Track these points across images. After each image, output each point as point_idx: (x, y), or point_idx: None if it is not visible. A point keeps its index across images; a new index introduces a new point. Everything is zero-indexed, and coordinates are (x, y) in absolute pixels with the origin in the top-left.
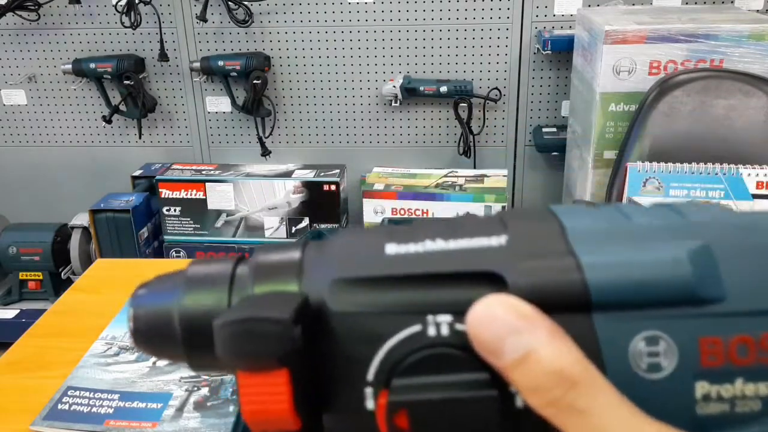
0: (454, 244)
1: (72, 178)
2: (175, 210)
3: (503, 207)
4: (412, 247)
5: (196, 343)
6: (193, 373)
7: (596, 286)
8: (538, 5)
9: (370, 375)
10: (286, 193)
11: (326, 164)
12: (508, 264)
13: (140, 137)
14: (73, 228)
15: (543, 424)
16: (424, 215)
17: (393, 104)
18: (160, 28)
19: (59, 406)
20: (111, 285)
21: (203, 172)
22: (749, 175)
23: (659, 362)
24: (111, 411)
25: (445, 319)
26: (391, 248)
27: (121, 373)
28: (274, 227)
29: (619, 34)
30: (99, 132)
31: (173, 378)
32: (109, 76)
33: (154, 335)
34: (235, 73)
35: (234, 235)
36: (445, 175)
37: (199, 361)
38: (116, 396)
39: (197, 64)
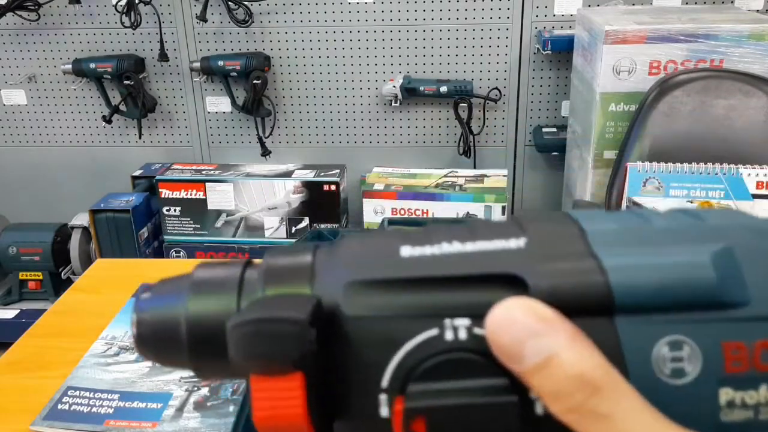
0: (471, 247)
1: (72, 178)
2: (175, 210)
3: (503, 207)
4: (428, 250)
5: (203, 350)
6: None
7: (619, 289)
8: (538, 5)
9: (385, 381)
10: (286, 193)
11: (326, 164)
12: (528, 266)
13: (140, 137)
14: (73, 228)
15: (564, 431)
16: (424, 215)
17: (393, 104)
18: (160, 28)
19: (59, 406)
20: (111, 285)
21: (203, 172)
22: (749, 175)
23: (683, 367)
24: (111, 411)
25: (462, 322)
26: (406, 250)
27: (121, 373)
28: (274, 227)
29: (619, 34)
30: (99, 132)
31: (173, 378)
32: (109, 76)
33: (158, 341)
34: (235, 73)
35: (234, 235)
36: (445, 175)
37: (206, 369)
38: (116, 396)
39: (197, 64)
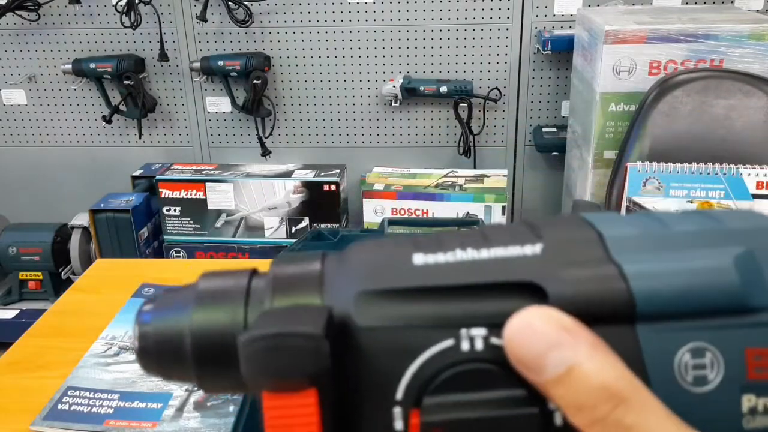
0: (486, 254)
1: (72, 178)
2: (175, 210)
3: (503, 207)
4: (441, 257)
5: (209, 363)
6: None
7: (641, 296)
8: (538, 5)
9: (399, 393)
10: (286, 193)
11: (326, 164)
12: (547, 273)
13: (140, 137)
14: (73, 228)
15: None
16: (424, 215)
17: (393, 104)
18: (160, 28)
19: (59, 406)
20: (111, 285)
21: (203, 172)
22: (749, 175)
23: (705, 375)
24: (111, 411)
25: (479, 332)
26: (419, 258)
27: (121, 373)
28: (274, 227)
29: (619, 34)
30: (99, 132)
31: None
32: (109, 76)
33: (162, 355)
34: (235, 73)
35: (234, 235)
36: (445, 175)
37: (211, 383)
38: (116, 396)
39: (197, 64)
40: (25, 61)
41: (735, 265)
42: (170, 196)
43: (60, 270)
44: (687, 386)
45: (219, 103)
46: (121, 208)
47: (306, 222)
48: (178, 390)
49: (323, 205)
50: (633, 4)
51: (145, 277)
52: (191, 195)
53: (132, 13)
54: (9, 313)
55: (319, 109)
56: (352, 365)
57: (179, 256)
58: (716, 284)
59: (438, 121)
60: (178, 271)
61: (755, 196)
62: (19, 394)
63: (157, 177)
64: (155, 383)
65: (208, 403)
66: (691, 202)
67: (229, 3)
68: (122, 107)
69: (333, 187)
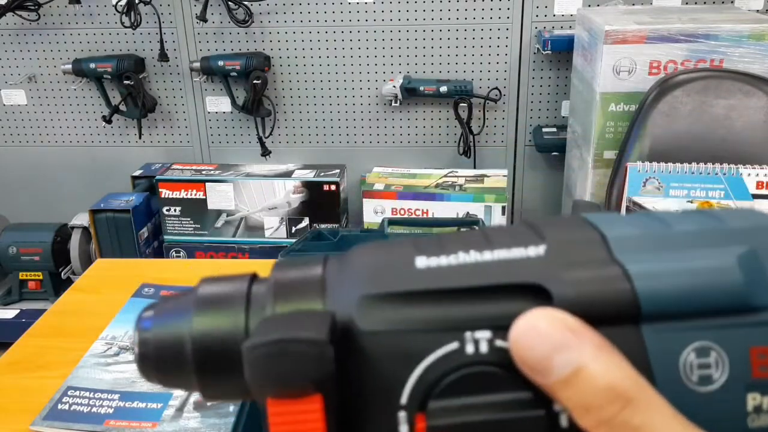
0: (489, 256)
1: (72, 178)
2: (175, 210)
3: (503, 207)
4: (444, 260)
5: (210, 370)
6: None
7: (646, 296)
8: (538, 5)
9: (404, 398)
10: (286, 193)
11: (326, 164)
12: (551, 275)
13: (140, 137)
14: (73, 228)
15: None
16: (424, 215)
17: (393, 104)
18: (160, 28)
19: (59, 406)
20: (111, 285)
21: (203, 172)
22: (749, 175)
23: (710, 374)
24: (111, 411)
25: (483, 335)
26: (422, 261)
27: (121, 373)
28: (274, 227)
29: (619, 34)
30: (99, 132)
31: None
32: (109, 76)
33: (163, 362)
34: (235, 73)
35: (234, 235)
36: (445, 175)
37: (213, 389)
38: (116, 396)
39: (197, 64)
40: (25, 61)
41: (738, 265)
42: (170, 196)
43: (60, 270)
44: (692, 386)
45: (219, 103)
46: (121, 208)
47: (306, 222)
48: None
49: (323, 205)
50: (633, 4)
51: (145, 277)
52: (191, 195)
53: (132, 13)
54: (9, 313)
55: (319, 109)
56: (356, 370)
57: (179, 256)
58: (720, 284)
59: (438, 121)
60: (178, 271)
61: (755, 196)
62: (19, 394)
63: (157, 177)
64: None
65: (208, 403)
66: (691, 202)
67: (229, 3)
68: (122, 107)
69: (333, 187)
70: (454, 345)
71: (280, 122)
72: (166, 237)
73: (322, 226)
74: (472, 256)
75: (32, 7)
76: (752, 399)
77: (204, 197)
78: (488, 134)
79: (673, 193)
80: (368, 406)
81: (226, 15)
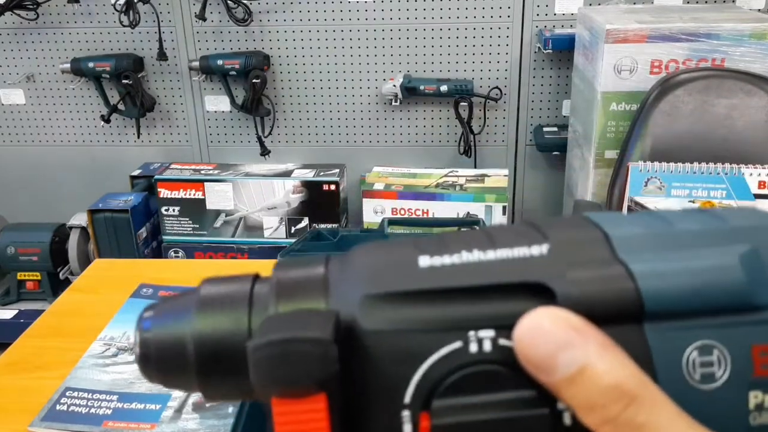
0: (492, 255)
1: (70, 178)
2: (173, 210)
3: (504, 207)
4: (447, 259)
5: (212, 370)
6: None
7: (649, 295)
8: (539, 4)
9: (408, 397)
10: (286, 193)
11: (326, 164)
12: (554, 274)
13: (139, 137)
14: (71, 228)
15: None
16: (425, 215)
17: (393, 104)
18: (159, 27)
19: (57, 407)
20: (109, 285)
21: (202, 172)
22: (751, 174)
23: (713, 372)
24: (109, 412)
25: (487, 334)
26: (425, 260)
27: (119, 374)
28: (273, 227)
29: (620, 33)
30: (97, 131)
31: None
32: (108, 76)
33: (164, 362)
34: (234, 72)
35: (233, 235)
36: (446, 175)
37: (215, 390)
38: (115, 397)
39: (196, 63)
40: (24, 61)
41: (741, 264)
42: (169, 196)
43: (58, 270)
44: (695, 384)
45: (218, 103)
46: (120, 208)
47: (305, 222)
48: (176, 391)
49: (323, 205)
50: (634, 3)
51: (143, 278)
52: (190, 195)
53: (131, 12)
54: (7, 313)
55: (319, 108)
56: (359, 369)
57: (178, 256)
58: (722, 282)
59: (438, 121)
60: (177, 271)
61: (757, 196)
62: (17, 395)
63: (156, 177)
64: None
65: (207, 405)
66: (693, 201)
67: (228, 2)
68: (121, 107)
69: (333, 187)
70: (457, 344)
71: (279, 122)
72: (164, 237)
73: (322, 226)
74: (475, 256)
75: (31, 7)
76: (754, 397)
77: (203, 197)
78: (489, 134)
79: (674, 193)
80: (372, 405)
81: (225, 14)
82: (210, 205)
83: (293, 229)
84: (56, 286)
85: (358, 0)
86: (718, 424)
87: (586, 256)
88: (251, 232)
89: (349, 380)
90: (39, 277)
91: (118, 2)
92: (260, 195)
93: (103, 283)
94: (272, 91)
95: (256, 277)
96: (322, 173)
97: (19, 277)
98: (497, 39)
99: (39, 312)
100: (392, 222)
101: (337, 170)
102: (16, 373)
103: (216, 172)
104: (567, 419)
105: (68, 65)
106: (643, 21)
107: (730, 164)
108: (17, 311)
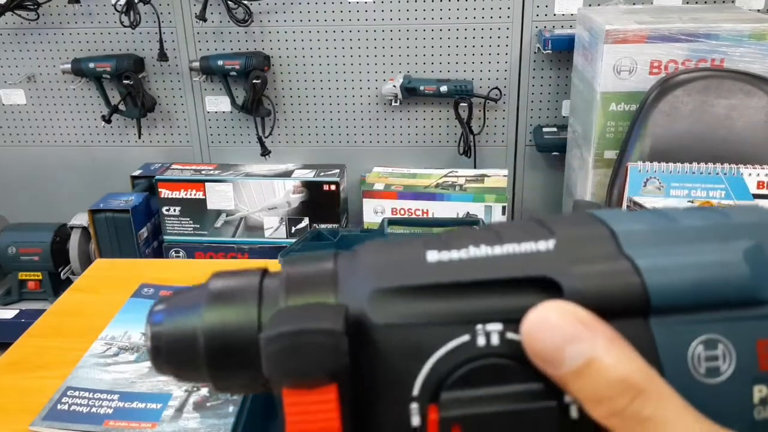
0: (499, 250)
1: (71, 178)
2: (174, 210)
3: (503, 207)
4: (455, 254)
5: (223, 363)
6: None
7: (655, 290)
8: (538, 4)
9: (416, 390)
10: (286, 193)
11: (326, 164)
12: (561, 268)
13: (139, 137)
14: (72, 228)
15: None
16: (425, 215)
17: (393, 104)
18: (160, 27)
19: (59, 407)
20: (110, 285)
21: (203, 172)
22: (750, 175)
23: (718, 366)
24: (110, 411)
25: (495, 327)
26: (433, 255)
27: (120, 374)
28: (273, 227)
29: (619, 33)
30: (98, 132)
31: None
32: (109, 76)
33: (175, 355)
34: (234, 73)
35: (234, 235)
36: (446, 175)
37: (225, 382)
38: (116, 396)
39: (197, 64)
40: (24, 61)
41: (745, 259)
42: (170, 196)
43: (59, 270)
44: (700, 378)
45: (218, 103)
46: (121, 208)
47: (306, 222)
48: (177, 390)
49: (323, 205)
50: (634, 4)
51: (144, 278)
52: (191, 195)
53: (131, 13)
54: (8, 313)
55: (319, 108)
56: (368, 363)
57: (179, 256)
58: (727, 277)
59: (438, 121)
60: (178, 271)
61: (756, 196)
62: (18, 395)
63: (157, 177)
64: (154, 384)
65: (208, 404)
66: (692, 202)
67: (229, 2)
68: (121, 107)
69: (333, 187)
70: (465, 337)
71: (279, 122)
72: (165, 237)
73: (322, 226)
74: (483, 251)
75: (31, 7)
76: (759, 391)
77: (203, 197)
78: (488, 134)
79: (673, 193)
80: (381, 398)
81: (226, 14)
82: (210, 205)
83: (293, 229)
84: (57, 285)
85: (358, 0)
86: (723, 417)
87: (592, 251)
88: (252, 232)
89: (358, 373)
90: (40, 277)
91: (118, 3)
92: (261, 195)
93: (104, 282)
94: (272, 92)
95: (265, 272)
96: (322, 173)
97: (20, 277)
98: (497, 39)
99: (40, 312)
100: (392, 222)
101: (337, 170)
102: (17, 373)
103: (216, 172)
104: (574, 412)
105: (69, 65)
106: (643, 21)
107: (729, 164)
108: (18, 311)
